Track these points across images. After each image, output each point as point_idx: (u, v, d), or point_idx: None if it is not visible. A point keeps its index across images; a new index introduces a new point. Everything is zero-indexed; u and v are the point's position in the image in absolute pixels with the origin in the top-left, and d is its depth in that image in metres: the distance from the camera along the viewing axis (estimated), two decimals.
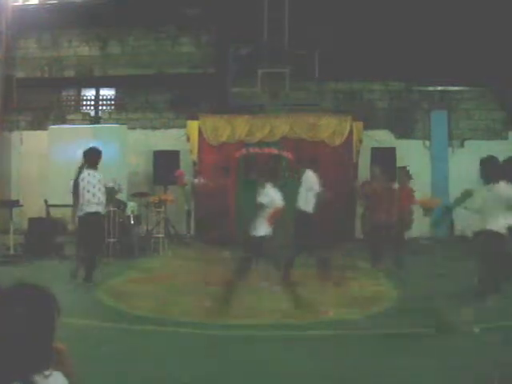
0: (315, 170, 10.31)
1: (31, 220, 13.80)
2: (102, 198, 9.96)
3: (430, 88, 16.18)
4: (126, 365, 5.96)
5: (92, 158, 9.93)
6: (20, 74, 17.46)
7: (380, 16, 14.66)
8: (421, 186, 13.19)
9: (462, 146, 15.97)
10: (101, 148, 10.29)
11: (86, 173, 9.86)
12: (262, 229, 7.76)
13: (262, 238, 7.77)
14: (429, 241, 12.61)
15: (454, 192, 14.60)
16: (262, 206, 7.70)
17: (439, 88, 16.18)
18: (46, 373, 2.22)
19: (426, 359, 6.05)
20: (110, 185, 12.01)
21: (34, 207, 14.35)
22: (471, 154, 15.57)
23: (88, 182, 9.79)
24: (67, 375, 2.34)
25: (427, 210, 12.46)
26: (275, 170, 8.42)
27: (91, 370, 5.38)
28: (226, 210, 14.49)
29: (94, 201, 9.76)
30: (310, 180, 9.89)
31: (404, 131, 16.07)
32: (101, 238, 11.05)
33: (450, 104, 16.21)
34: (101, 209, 10.00)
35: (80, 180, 9.81)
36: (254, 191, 13.08)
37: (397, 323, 7.52)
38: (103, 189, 10.05)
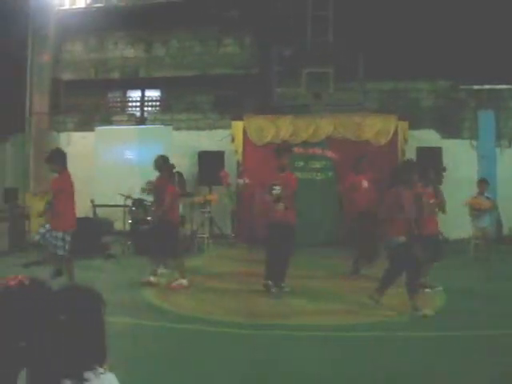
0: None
1: (78, 220, 13.92)
2: None
3: (477, 87, 15.90)
4: (169, 363, 6.00)
5: None
6: (67, 77, 17.75)
7: (426, 14, 14.51)
8: (468, 186, 12.99)
9: (510, 145, 15.66)
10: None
11: None
12: None
13: None
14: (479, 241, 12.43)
15: (503, 192, 14.47)
16: None
17: (487, 86, 15.89)
18: (99, 370, 2.25)
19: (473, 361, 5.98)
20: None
21: (80, 207, 14.48)
22: None
23: None
24: None
25: (477, 210, 12.30)
26: None
27: (135, 368, 5.46)
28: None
29: None
30: None
31: (450, 131, 15.81)
32: None
33: (497, 103, 15.90)
34: None
35: None
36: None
37: (443, 325, 7.44)
38: None
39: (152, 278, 9.94)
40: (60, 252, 9.02)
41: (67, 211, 9.11)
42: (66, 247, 9.05)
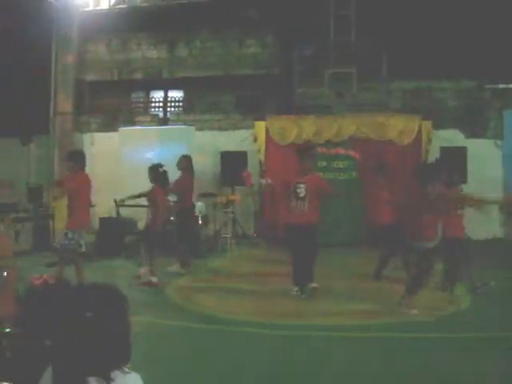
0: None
1: (102, 219, 14.09)
2: None
3: (503, 86, 15.72)
4: (191, 363, 6.01)
5: None
6: (91, 77, 17.89)
7: (450, 12, 14.38)
8: (493, 186, 12.85)
9: None
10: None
11: None
12: None
13: None
14: None
15: None
16: None
17: None
18: (125, 370, 2.25)
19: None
20: None
21: (104, 207, 14.60)
22: None
23: None
24: None
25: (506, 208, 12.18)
26: None
27: (158, 368, 5.47)
28: None
29: None
30: None
31: (475, 130, 15.65)
32: None
33: None
34: None
35: None
36: None
37: (468, 327, 7.36)
38: None
39: (152, 278, 9.99)
40: (68, 251, 9.08)
41: (80, 211, 9.10)
42: (75, 244, 9.08)
